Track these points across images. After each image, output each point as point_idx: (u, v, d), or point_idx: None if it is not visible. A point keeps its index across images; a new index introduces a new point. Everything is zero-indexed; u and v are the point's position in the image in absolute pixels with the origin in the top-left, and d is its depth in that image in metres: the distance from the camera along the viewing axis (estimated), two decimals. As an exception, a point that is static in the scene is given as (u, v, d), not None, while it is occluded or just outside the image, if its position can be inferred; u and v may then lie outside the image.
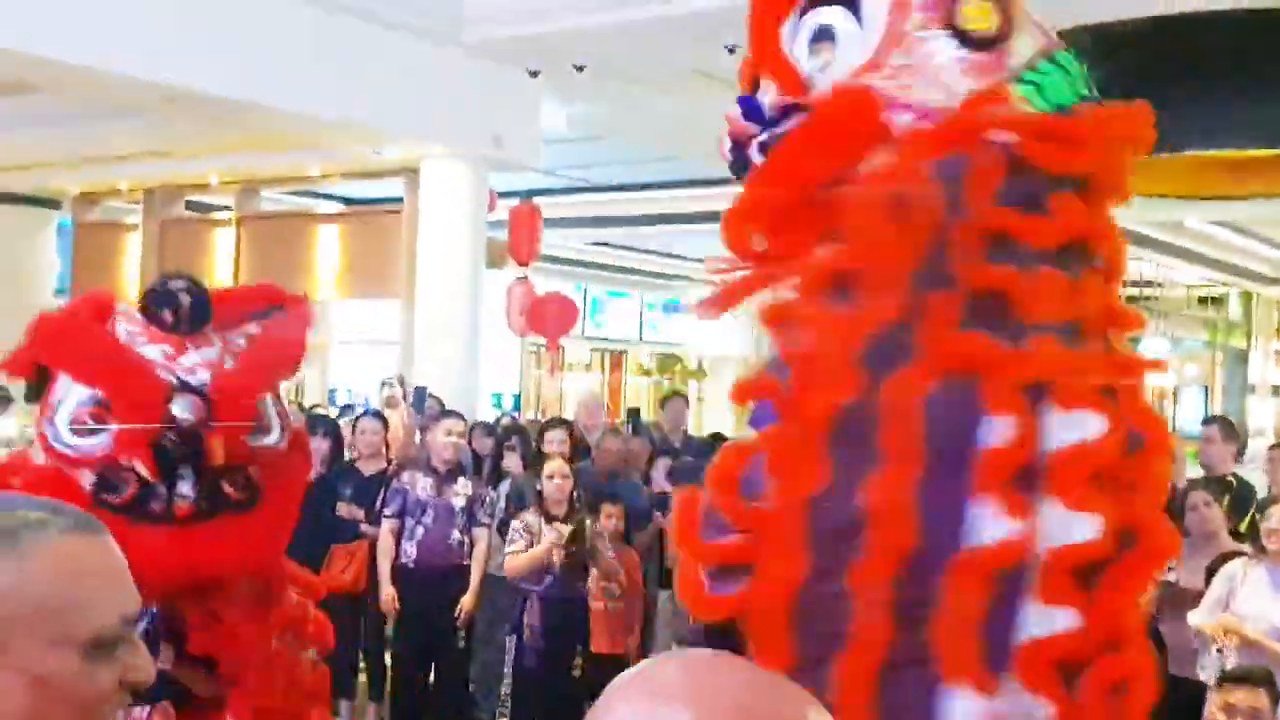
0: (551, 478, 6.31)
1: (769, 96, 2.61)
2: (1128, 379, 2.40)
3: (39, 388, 3.16)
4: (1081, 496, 2.20)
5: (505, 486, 7.17)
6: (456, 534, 6.73)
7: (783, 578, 2.28)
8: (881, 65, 2.52)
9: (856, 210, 2.34)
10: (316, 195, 13.66)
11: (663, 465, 7.36)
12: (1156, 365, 2.67)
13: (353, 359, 14.06)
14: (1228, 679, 4.62)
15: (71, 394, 3.04)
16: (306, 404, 12.58)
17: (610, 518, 6.43)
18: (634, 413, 12.36)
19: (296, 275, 11.27)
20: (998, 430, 2.20)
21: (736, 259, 2.66)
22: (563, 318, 11.51)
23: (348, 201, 13.37)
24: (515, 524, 6.27)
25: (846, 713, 2.13)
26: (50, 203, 13.25)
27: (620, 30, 7.99)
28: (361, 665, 7.40)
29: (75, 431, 3.00)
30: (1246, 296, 23.96)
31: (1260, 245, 19.70)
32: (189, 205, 12.79)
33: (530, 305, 10.86)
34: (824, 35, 2.57)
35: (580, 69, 8.69)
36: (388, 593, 6.70)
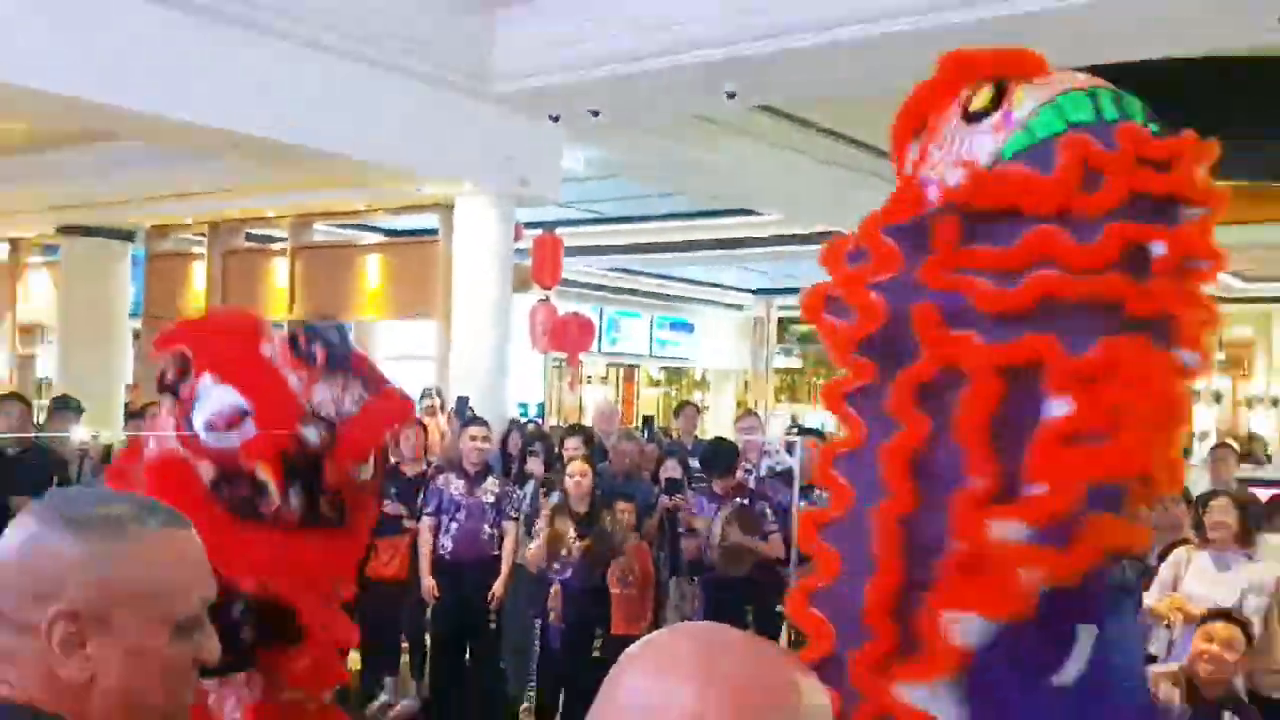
0: (573, 476, 6.34)
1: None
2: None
3: (178, 380, 3.21)
4: None
5: (530, 486, 7.18)
6: (487, 528, 6.76)
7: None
8: (927, 159, 2.77)
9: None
10: (362, 228, 13.69)
11: (670, 465, 7.37)
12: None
13: (395, 373, 14.06)
14: (1211, 616, 4.68)
15: (214, 395, 3.09)
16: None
17: (624, 513, 6.45)
18: (648, 420, 12.38)
19: (344, 299, 11.32)
20: None
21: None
22: (581, 336, 11.50)
23: (390, 233, 13.40)
24: (539, 522, 6.32)
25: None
26: (126, 235, 13.29)
27: (630, 81, 8.02)
28: (404, 646, 7.41)
29: (211, 428, 3.05)
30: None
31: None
32: (249, 237, 12.81)
33: (552, 325, 10.86)
34: None
35: (595, 115, 8.71)
36: (428, 583, 6.73)
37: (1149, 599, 5.52)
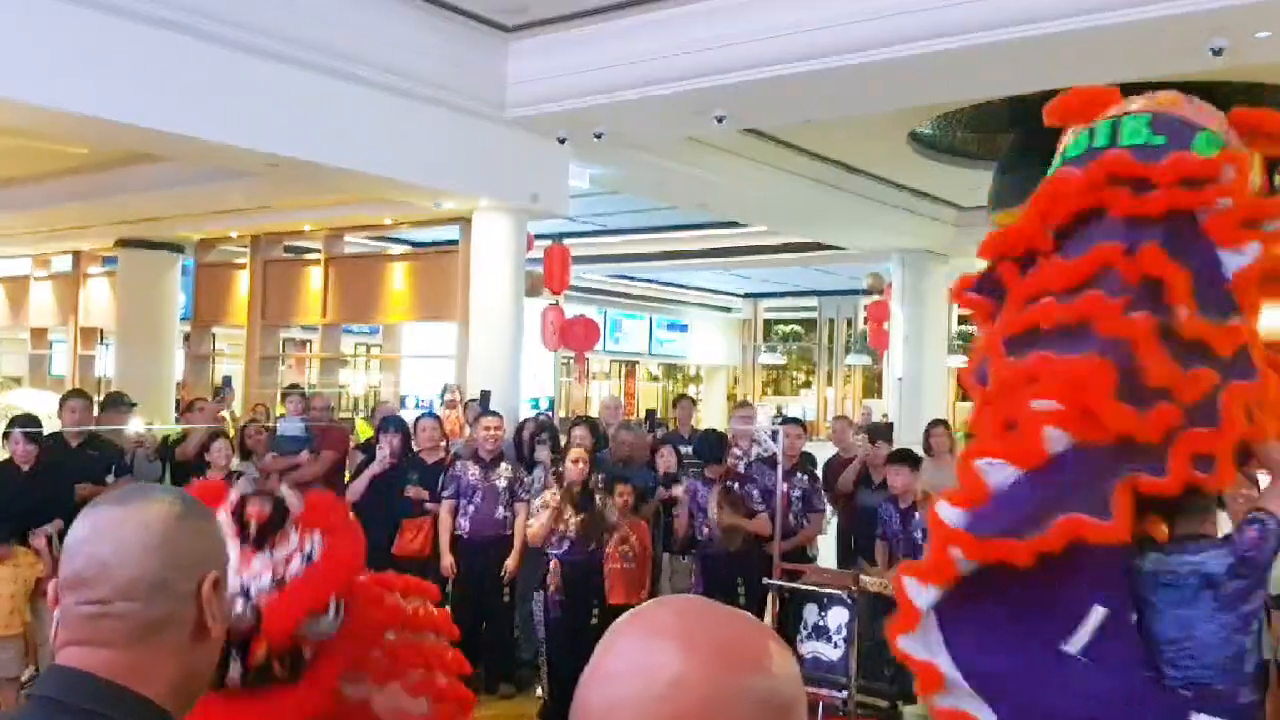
0: (576, 462, 6.35)
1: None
2: None
3: None
4: None
5: (538, 471, 7.20)
6: (501, 510, 6.77)
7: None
8: None
9: None
10: (389, 240, 13.72)
11: (668, 452, 7.38)
12: None
13: (418, 370, 14.09)
14: None
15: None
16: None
17: (623, 495, 6.46)
18: (651, 413, 12.38)
19: (373, 304, 11.33)
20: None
21: None
22: (587, 336, 11.52)
23: (414, 244, 13.42)
24: (536, 502, 6.33)
25: None
26: (176, 248, 13.31)
27: (630, 107, 8.03)
28: (427, 615, 7.41)
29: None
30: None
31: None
32: (287, 249, 12.82)
33: (561, 326, 10.88)
34: None
35: (599, 137, 8.71)
36: (447, 560, 6.74)
37: None
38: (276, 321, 12.43)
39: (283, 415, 8.87)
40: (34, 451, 6.24)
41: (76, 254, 14.49)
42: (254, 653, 2.65)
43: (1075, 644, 2.75)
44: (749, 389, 23.50)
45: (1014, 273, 3.09)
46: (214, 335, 14.16)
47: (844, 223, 13.24)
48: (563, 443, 7.55)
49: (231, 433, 8.48)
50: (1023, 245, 3.09)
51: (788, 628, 5.85)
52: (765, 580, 6.38)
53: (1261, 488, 3.21)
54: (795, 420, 8.36)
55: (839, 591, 5.81)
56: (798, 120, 9.01)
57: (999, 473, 2.76)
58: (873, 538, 6.66)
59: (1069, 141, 3.21)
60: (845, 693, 5.59)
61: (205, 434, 8.03)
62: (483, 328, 9.40)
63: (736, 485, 6.84)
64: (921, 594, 2.74)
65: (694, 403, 10.34)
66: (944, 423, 8.43)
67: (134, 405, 8.17)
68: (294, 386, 9.92)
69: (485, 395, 8.59)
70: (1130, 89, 7.95)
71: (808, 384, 24.29)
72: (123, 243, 13.03)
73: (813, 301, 22.88)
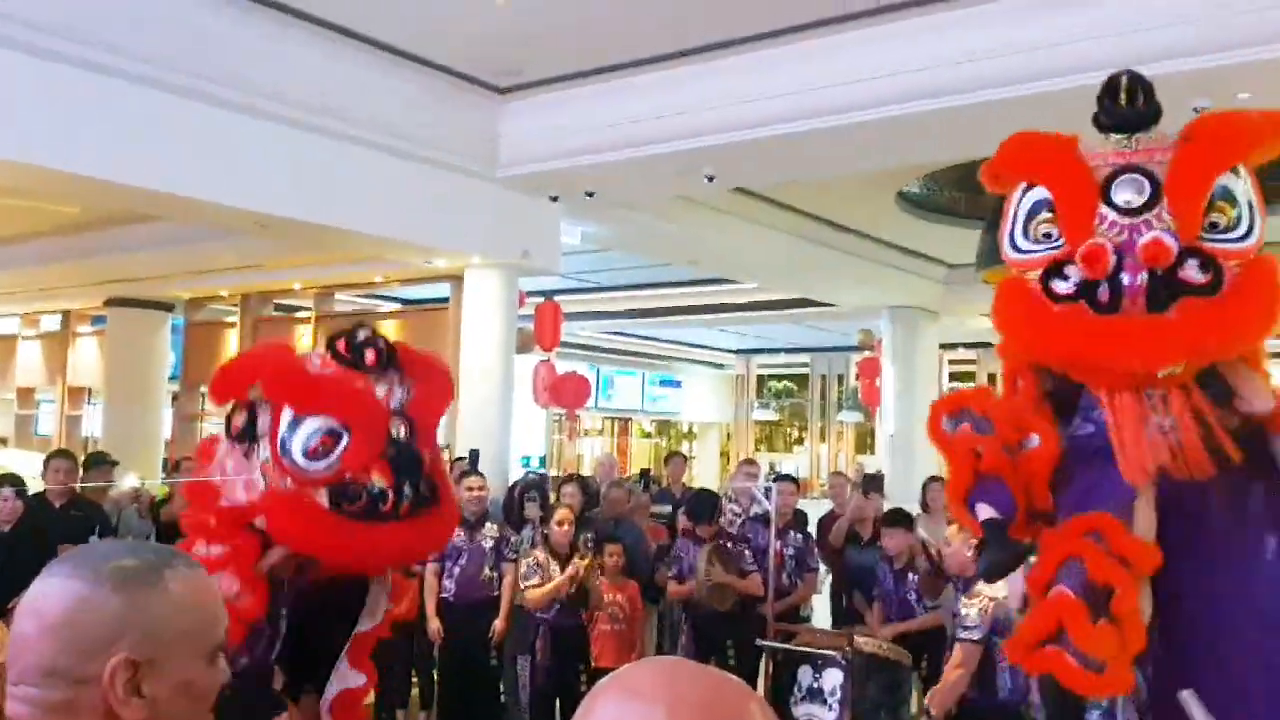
0: (561, 524, 6.31)
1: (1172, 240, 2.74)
2: None
3: (250, 425, 3.18)
4: None
5: (527, 530, 7.14)
6: (487, 570, 6.69)
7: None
8: (1262, 238, 2.87)
9: None
10: (380, 297, 13.74)
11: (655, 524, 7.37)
12: None
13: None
14: None
15: (302, 426, 3.06)
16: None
17: (613, 555, 6.41)
18: (645, 472, 12.33)
19: (364, 362, 11.31)
20: None
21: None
22: (579, 392, 11.50)
23: (405, 302, 13.45)
24: (528, 561, 6.26)
25: None
26: (166, 306, 13.31)
27: (621, 166, 8.10)
28: (414, 680, 7.33)
29: (312, 456, 3.02)
30: (1129, 369, 23.91)
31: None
32: (277, 307, 12.83)
33: (552, 382, 10.87)
34: (1227, 197, 2.82)
35: (590, 195, 8.78)
36: (433, 625, 6.65)
37: None
38: (266, 380, 12.39)
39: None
40: (19, 510, 6.18)
41: (65, 313, 14.48)
42: (423, 460, 3.15)
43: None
44: (742, 445, 23.46)
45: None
46: (203, 394, 14.11)
47: (834, 280, 13.32)
48: (553, 500, 7.51)
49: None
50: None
51: (781, 690, 5.78)
52: (758, 641, 6.32)
53: None
54: (788, 478, 8.33)
55: (833, 653, 5.74)
56: (785, 179, 9.09)
57: None
58: (863, 597, 6.61)
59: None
60: (840, 756, 5.51)
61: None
62: (473, 385, 9.38)
63: (729, 544, 6.79)
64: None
65: (686, 459, 10.32)
66: (941, 479, 8.39)
67: (115, 463, 8.11)
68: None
69: (474, 455, 8.56)
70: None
71: (800, 440, 24.25)
72: (112, 301, 13.03)
73: (805, 358, 22.93)
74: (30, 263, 12.29)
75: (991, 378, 20.36)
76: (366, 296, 13.40)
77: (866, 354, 16.07)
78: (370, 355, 3.20)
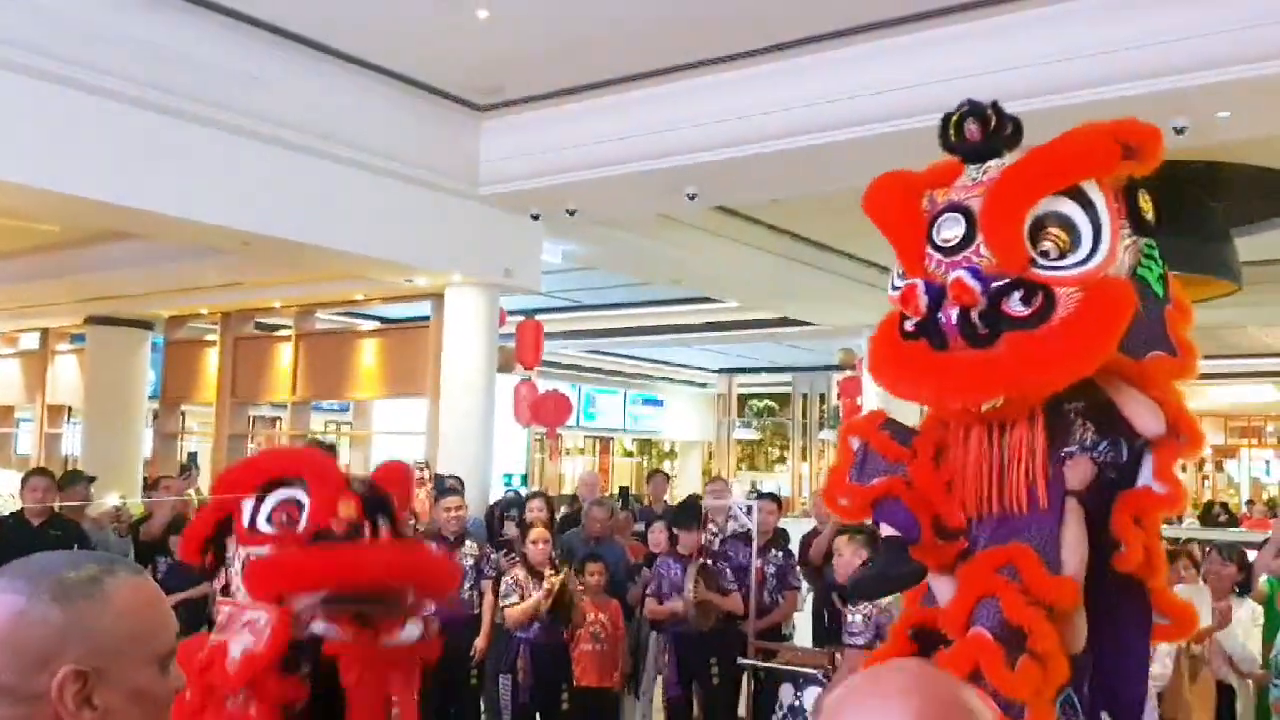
0: (535, 543, 6.26)
1: (984, 267, 2.66)
2: None
3: (218, 557, 3.21)
4: None
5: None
6: (467, 589, 6.64)
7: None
8: (1115, 260, 2.73)
9: None
10: (360, 315, 13.67)
11: (658, 528, 7.31)
12: None
13: (389, 447, 13.97)
14: None
15: (263, 505, 3.11)
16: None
17: (595, 574, 6.37)
18: (625, 490, 12.30)
19: (343, 380, 11.25)
20: None
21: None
22: (560, 411, 11.46)
23: (385, 320, 13.38)
24: (507, 580, 6.20)
25: None
26: (146, 325, 13.19)
27: (603, 184, 8.10)
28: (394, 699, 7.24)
29: (279, 526, 3.05)
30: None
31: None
32: (258, 325, 12.74)
33: (533, 401, 10.83)
34: (1061, 222, 2.69)
35: (572, 214, 8.77)
36: (413, 645, 6.58)
37: None
38: (246, 399, 12.31)
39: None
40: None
41: (44, 331, 14.36)
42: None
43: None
44: (724, 464, 23.44)
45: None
46: (183, 413, 14.00)
47: (816, 298, 13.34)
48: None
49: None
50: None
51: (763, 709, 5.74)
52: (739, 660, 6.28)
53: None
54: (770, 495, 8.31)
55: (814, 671, 5.72)
56: (767, 198, 9.11)
57: None
58: (841, 613, 6.56)
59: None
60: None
61: (170, 514, 7.89)
62: (454, 403, 9.34)
63: (710, 562, 6.76)
64: None
65: (668, 478, 10.30)
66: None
67: (92, 479, 8.02)
68: (263, 464, 9.80)
69: (440, 480, 8.49)
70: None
71: (782, 459, 24.25)
72: (92, 320, 12.92)
73: (786, 377, 22.96)
74: (9, 280, 12.19)
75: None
76: (347, 315, 13.34)
77: (848, 373, 16.08)
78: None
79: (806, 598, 7.76)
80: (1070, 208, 2.74)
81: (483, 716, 6.82)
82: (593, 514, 7.55)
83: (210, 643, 3.09)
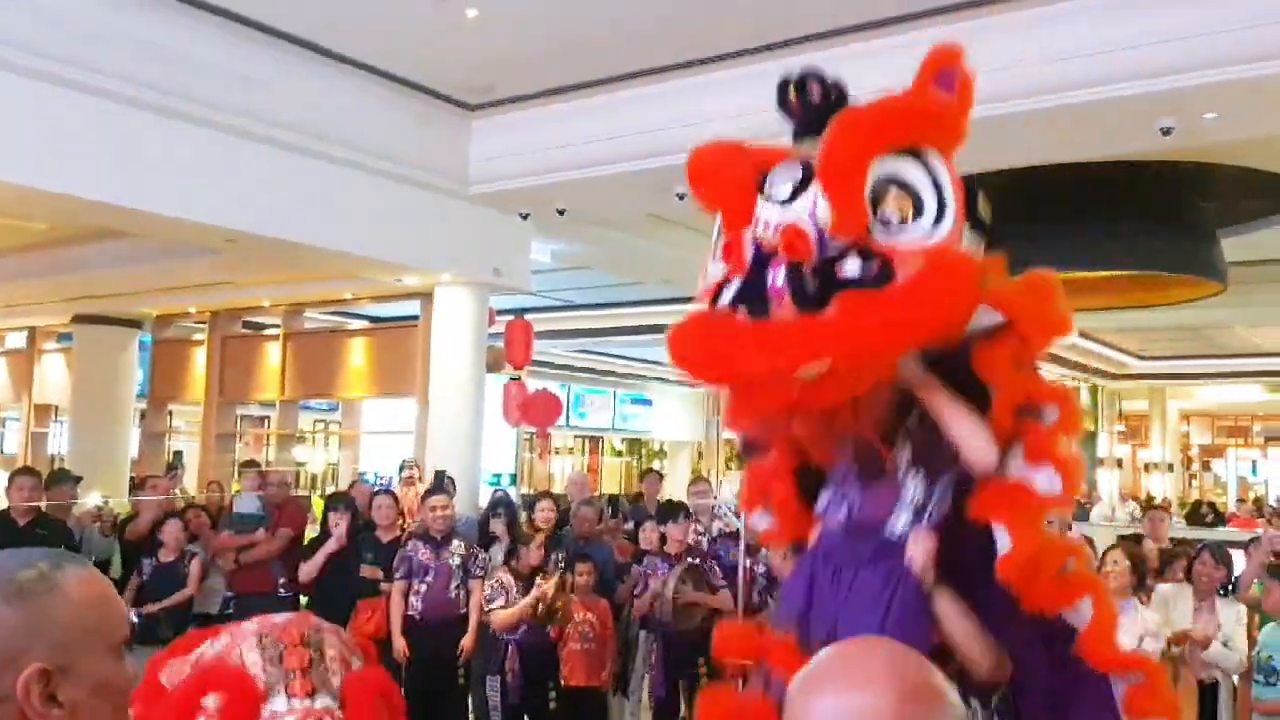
0: (540, 546, 6.26)
1: (826, 226, 2.30)
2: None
3: None
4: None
5: (495, 548, 7.09)
6: (454, 589, 6.63)
7: None
8: (959, 241, 2.43)
9: None
10: (349, 315, 13.63)
11: (649, 527, 7.31)
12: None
13: (377, 446, 13.95)
14: None
15: None
16: (343, 482, 12.47)
17: (583, 574, 6.35)
18: (614, 499, 12.28)
19: (332, 379, 11.22)
20: None
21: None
22: (549, 411, 11.43)
23: (374, 319, 13.36)
24: (491, 583, 6.18)
25: None
26: (134, 323, 13.14)
27: (592, 183, 8.08)
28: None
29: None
30: (1094, 389, 24.18)
31: (1102, 348, 19.94)
32: (246, 324, 12.70)
33: (523, 401, 10.81)
34: (904, 187, 2.38)
35: (561, 213, 8.76)
36: (399, 644, 6.57)
37: None
38: (234, 398, 12.27)
39: (239, 492, 8.71)
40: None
41: (31, 330, 14.28)
42: None
43: None
44: (713, 464, 23.45)
45: None
46: (170, 412, 13.93)
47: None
48: (523, 519, 7.45)
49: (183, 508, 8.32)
50: None
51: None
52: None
53: None
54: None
55: (803, 670, 5.71)
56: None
57: None
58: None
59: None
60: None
61: (156, 513, 7.87)
62: (443, 403, 9.32)
63: (700, 562, 6.75)
64: None
65: (661, 477, 10.29)
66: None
67: (79, 479, 7.99)
68: (251, 463, 9.77)
69: (439, 476, 8.48)
70: (1082, 166, 8.10)
71: (771, 459, 24.26)
72: (79, 318, 12.86)
73: (775, 376, 22.97)
74: (-5, 279, 12.14)
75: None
76: (336, 314, 13.31)
77: (836, 372, 16.08)
78: None
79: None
80: (914, 172, 2.42)
81: (471, 716, 6.80)
82: (581, 514, 7.54)
83: None
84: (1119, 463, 25.12)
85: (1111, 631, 2.52)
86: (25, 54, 6.02)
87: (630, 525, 8.21)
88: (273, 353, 11.67)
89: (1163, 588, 6.15)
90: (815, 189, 2.35)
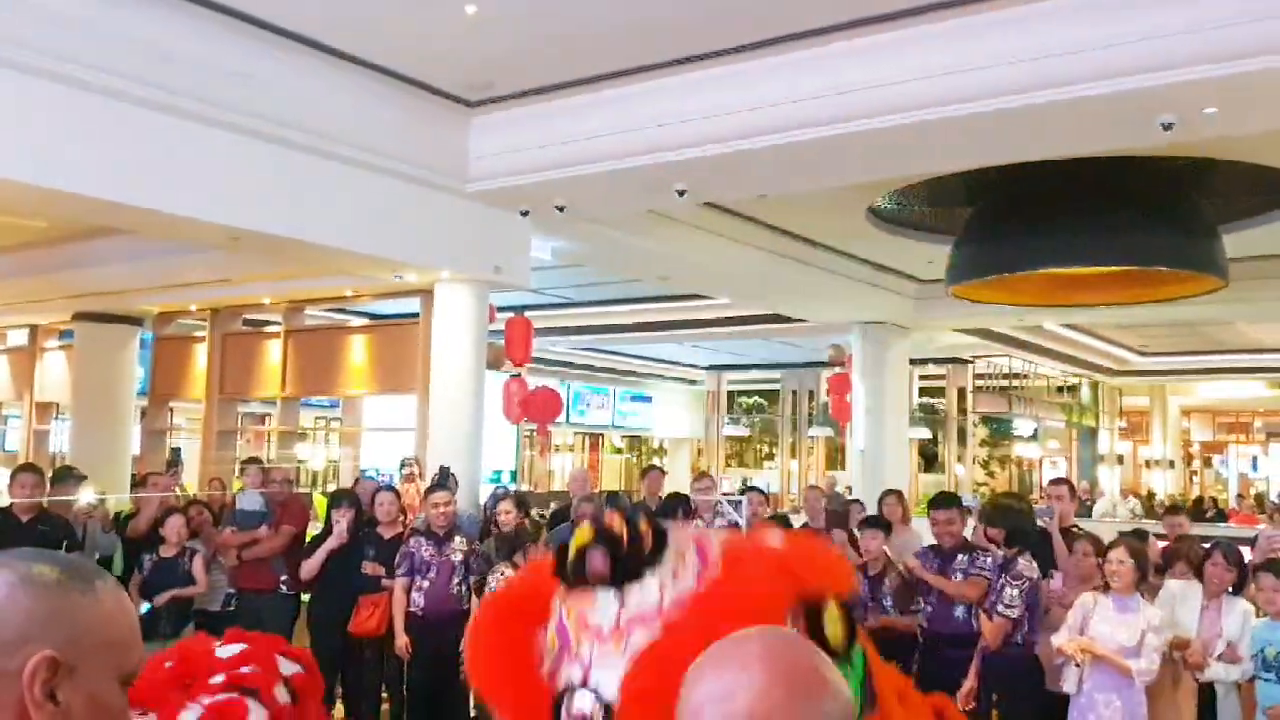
0: (547, 544, 6.29)
1: None
2: None
3: None
4: None
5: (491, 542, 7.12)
6: (455, 585, 6.65)
7: None
8: None
9: None
10: (349, 312, 13.64)
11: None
12: None
13: (378, 443, 13.96)
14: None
15: None
16: (344, 479, 12.48)
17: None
18: (613, 494, 12.29)
19: (333, 376, 11.23)
20: None
21: None
22: (549, 408, 11.47)
23: (374, 316, 13.36)
24: (493, 577, 6.21)
25: None
26: (134, 321, 13.14)
27: (592, 181, 8.08)
28: (385, 695, 7.25)
29: None
30: (1094, 385, 24.18)
31: (1102, 344, 19.94)
32: (246, 321, 12.70)
33: (523, 398, 10.83)
34: None
35: (561, 210, 8.75)
36: (401, 640, 6.59)
37: (1058, 639, 5.52)
38: (235, 395, 12.28)
39: (241, 489, 8.72)
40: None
41: (32, 327, 14.28)
42: None
43: None
44: (713, 461, 23.47)
45: None
46: (171, 410, 13.93)
47: (805, 295, 13.35)
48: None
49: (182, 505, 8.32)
50: None
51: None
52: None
53: None
54: (757, 489, 8.34)
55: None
56: (756, 194, 9.10)
57: None
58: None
59: None
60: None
61: (157, 510, 7.88)
62: (443, 400, 9.32)
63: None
64: None
65: (663, 473, 10.30)
66: (896, 492, 8.52)
67: (84, 478, 8.00)
68: (254, 460, 9.80)
69: (443, 471, 8.49)
70: (1082, 162, 8.11)
71: (771, 456, 24.28)
72: (80, 316, 12.86)
73: (775, 374, 22.98)
74: (-4, 277, 12.15)
75: (961, 392, 20.49)
76: (336, 311, 13.32)
77: (837, 369, 16.11)
78: None
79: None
80: None
81: (472, 712, 6.82)
82: (581, 510, 7.56)
83: None
84: (1120, 459, 25.13)
85: None
86: (25, 52, 6.02)
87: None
88: (273, 350, 11.68)
89: (1171, 583, 6.16)
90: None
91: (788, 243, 11.40)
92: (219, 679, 2.08)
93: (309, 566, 7.14)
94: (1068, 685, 5.46)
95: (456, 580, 6.64)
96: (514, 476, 16.42)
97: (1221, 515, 17.72)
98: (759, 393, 24.70)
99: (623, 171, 7.82)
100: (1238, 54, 5.49)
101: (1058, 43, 5.93)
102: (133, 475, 11.85)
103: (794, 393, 22.91)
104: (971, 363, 20.29)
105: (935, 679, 5.92)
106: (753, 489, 8.18)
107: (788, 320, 15.05)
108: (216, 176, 7.12)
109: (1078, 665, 5.40)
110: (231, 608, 7.54)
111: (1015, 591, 5.73)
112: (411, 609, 6.61)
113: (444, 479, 8.14)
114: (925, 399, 21.28)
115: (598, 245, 10.47)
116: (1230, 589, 5.82)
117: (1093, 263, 9.21)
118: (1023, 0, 5.97)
